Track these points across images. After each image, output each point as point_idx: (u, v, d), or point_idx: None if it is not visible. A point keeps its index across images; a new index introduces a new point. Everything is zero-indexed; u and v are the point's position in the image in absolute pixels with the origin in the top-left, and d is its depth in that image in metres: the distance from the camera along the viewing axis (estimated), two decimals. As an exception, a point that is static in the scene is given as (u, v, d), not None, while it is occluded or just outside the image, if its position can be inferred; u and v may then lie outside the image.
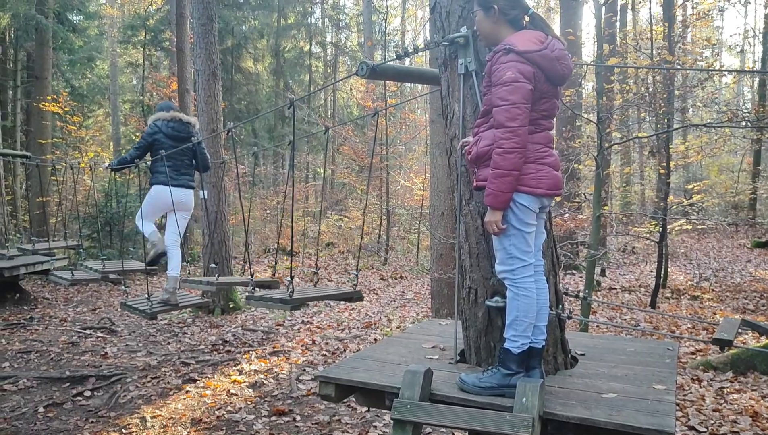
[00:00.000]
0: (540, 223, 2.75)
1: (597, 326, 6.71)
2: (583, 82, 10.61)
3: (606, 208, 9.23)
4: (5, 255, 8.51)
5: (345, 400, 3.66)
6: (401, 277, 12.32)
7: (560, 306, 3.01)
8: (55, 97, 16.20)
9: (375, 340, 6.73)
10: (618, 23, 13.86)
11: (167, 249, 5.08)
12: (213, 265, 5.09)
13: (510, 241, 2.58)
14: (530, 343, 2.62)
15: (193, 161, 5.33)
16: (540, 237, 2.78)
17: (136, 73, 25.25)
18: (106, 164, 5.47)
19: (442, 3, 3.11)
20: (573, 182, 10.21)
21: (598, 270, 9.70)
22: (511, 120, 2.42)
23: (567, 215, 9.12)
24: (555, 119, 2.75)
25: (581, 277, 10.18)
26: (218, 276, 4.88)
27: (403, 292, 10.41)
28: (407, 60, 3.22)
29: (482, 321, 2.99)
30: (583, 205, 10.50)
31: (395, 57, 3.23)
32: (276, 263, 9.87)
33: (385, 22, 21.23)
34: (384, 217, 15.65)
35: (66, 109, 16.42)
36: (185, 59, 13.52)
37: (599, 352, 3.29)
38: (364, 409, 4.54)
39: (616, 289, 9.45)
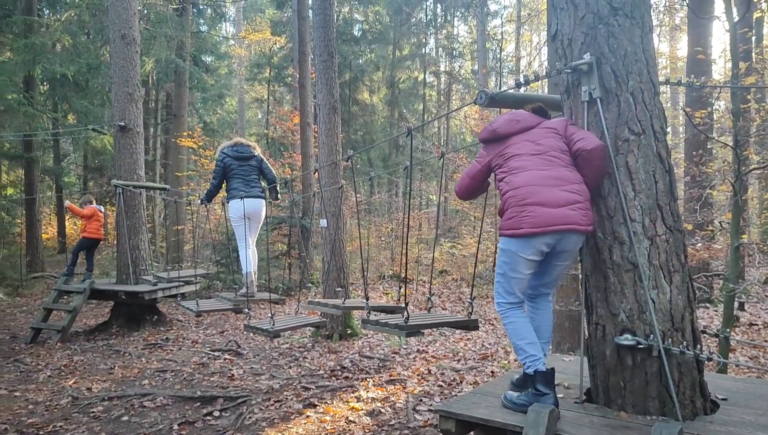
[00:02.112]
0: (552, 263, 2.97)
1: (737, 367, 6.15)
2: (715, 102, 9.94)
3: (744, 236, 8.52)
4: (148, 281, 9.26)
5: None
6: (518, 306, 11.99)
7: (698, 346, 2.80)
8: (190, 133, 17.55)
9: (492, 372, 6.58)
10: (753, 37, 12.89)
11: (247, 249, 6.20)
12: (339, 289, 5.30)
13: (498, 281, 2.97)
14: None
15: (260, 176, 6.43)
16: (553, 272, 3.04)
17: (261, 108, 26.82)
18: (199, 201, 6.60)
19: (564, 30, 3.05)
20: (706, 209, 9.53)
21: (736, 304, 8.92)
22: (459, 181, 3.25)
23: (700, 245, 8.51)
24: (550, 156, 2.92)
25: (716, 311, 9.41)
26: (345, 299, 5.03)
27: (520, 322, 10.12)
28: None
29: (611, 359, 2.84)
30: (717, 233, 9.75)
31: (515, 85, 3.20)
32: (393, 288, 9.97)
33: (500, 48, 21.13)
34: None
35: (200, 143, 17.72)
36: (306, 94, 14.18)
37: (743, 397, 3.01)
38: (483, 444, 4.43)
39: (757, 325, 8.63)
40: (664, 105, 3.06)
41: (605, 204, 2.88)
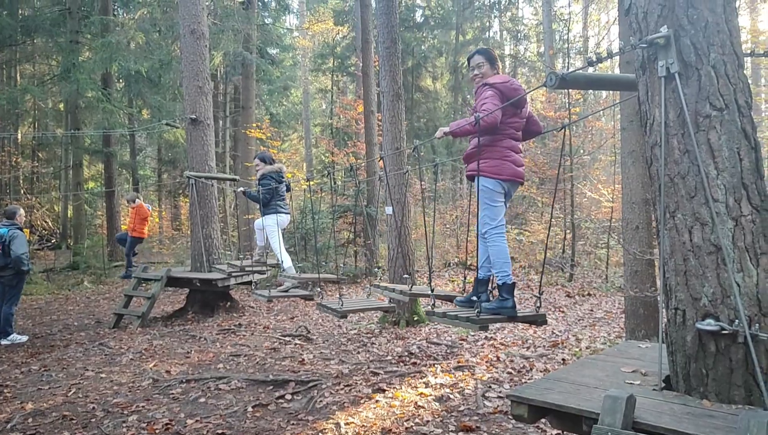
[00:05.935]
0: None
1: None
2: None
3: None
4: (222, 269, 9.55)
5: (535, 421, 3.53)
6: (589, 294, 11.70)
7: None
8: (258, 124, 17.93)
9: (563, 360, 6.45)
10: None
11: (283, 256, 7.37)
12: (406, 276, 5.35)
13: (485, 212, 3.94)
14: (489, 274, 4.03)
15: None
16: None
17: (325, 98, 27.09)
18: (241, 190, 8.37)
19: (639, 3, 2.93)
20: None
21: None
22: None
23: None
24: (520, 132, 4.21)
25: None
26: (412, 286, 5.03)
27: (592, 310, 9.87)
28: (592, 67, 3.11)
29: (692, 345, 2.72)
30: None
31: (586, 64, 3.09)
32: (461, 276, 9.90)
33: (567, 29, 20.52)
34: (569, 231, 15.02)
35: (267, 134, 18.08)
36: (370, 82, 14.22)
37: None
38: (555, 431, 4.35)
39: None
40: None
41: (684, 183, 2.75)
